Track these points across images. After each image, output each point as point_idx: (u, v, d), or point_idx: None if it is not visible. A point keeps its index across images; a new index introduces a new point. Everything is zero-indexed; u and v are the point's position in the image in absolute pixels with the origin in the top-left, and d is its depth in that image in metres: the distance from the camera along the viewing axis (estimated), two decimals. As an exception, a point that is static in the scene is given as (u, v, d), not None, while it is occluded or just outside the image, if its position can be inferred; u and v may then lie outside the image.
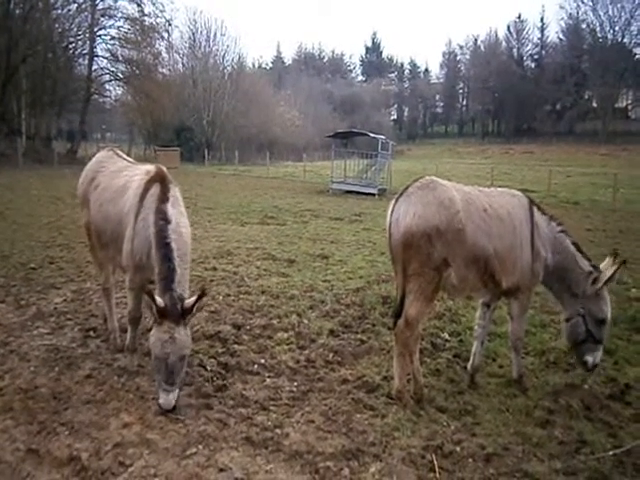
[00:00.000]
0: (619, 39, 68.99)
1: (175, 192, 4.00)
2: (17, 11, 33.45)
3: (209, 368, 4.27)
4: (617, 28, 68.88)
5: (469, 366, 4.34)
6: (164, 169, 4.16)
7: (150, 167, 4.25)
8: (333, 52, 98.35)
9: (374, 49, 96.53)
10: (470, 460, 3.20)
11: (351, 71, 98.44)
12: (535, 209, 4.06)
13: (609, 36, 69.70)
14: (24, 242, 8.91)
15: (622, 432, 3.58)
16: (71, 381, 3.93)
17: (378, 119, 71.13)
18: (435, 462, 3.14)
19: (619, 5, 67.72)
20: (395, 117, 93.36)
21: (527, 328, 5.37)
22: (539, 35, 79.91)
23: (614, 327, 5.52)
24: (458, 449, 3.30)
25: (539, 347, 4.97)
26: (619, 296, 6.73)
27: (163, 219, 3.68)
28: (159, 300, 3.39)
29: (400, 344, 3.81)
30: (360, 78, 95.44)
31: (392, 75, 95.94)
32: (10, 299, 5.82)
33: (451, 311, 5.84)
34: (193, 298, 3.48)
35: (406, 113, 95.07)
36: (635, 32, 68.59)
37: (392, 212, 3.83)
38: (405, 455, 3.21)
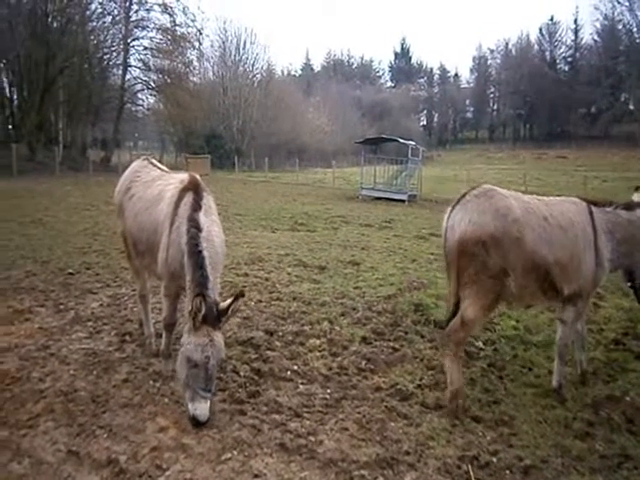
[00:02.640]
0: (657, 40, 67.20)
1: (208, 200, 4.03)
2: (55, 24, 34.53)
3: (242, 374, 4.30)
4: (655, 28, 67.15)
5: (579, 370, 4.42)
6: (198, 177, 4.21)
7: (184, 176, 4.30)
8: (362, 58, 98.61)
9: (403, 54, 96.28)
10: (507, 472, 3.14)
11: (380, 77, 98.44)
12: (595, 211, 4.05)
13: (646, 37, 67.97)
14: (62, 248, 9.15)
15: (668, 447, 3.46)
16: (109, 384, 4.01)
17: (407, 125, 70.74)
18: (471, 473, 3.09)
19: (657, 4, 66.05)
20: (424, 123, 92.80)
21: (564, 337, 5.28)
22: (573, 37, 78.46)
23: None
24: (495, 460, 3.25)
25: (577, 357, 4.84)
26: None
27: (195, 227, 3.70)
28: (204, 306, 3.39)
29: (454, 344, 3.80)
30: (389, 84, 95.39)
31: (421, 80, 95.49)
32: (50, 303, 5.98)
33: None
34: (229, 301, 3.51)
35: (436, 118, 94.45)
36: (673, 32, 66.71)
37: (448, 218, 3.88)
38: (440, 465, 3.18)
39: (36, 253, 8.63)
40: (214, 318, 3.42)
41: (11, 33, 31.15)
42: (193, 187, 4.01)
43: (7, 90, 35.30)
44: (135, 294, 5.67)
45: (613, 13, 70.49)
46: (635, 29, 68.69)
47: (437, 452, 3.31)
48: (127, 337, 5.05)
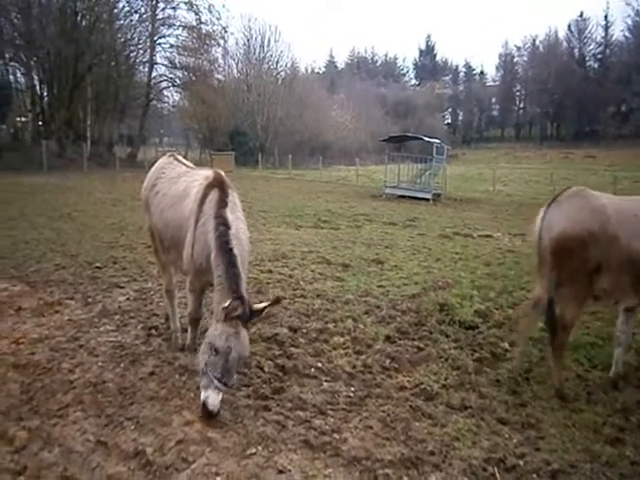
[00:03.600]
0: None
1: (234, 197, 4.04)
2: (83, 23, 35.17)
3: (266, 370, 4.31)
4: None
5: (612, 372, 4.35)
6: (223, 174, 4.20)
7: (209, 172, 4.29)
8: (386, 56, 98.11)
9: (428, 52, 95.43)
10: (534, 476, 3.09)
11: (404, 74, 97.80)
12: None
13: (680, 33, 66.20)
14: (90, 242, 9.32)
15: (702, 454, 3.36)
16: (135, 377, 4.07)
17: (432, 123, 70.06)
18: (497, 475, 3.05)
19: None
20: (449, 121, 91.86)
21: (594, 341, 5.19)
22: (603, 33, 76.67)
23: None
24: (521, 463, 3.20)
25: (607, 361, 4.74)
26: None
27: (223, 224, 3.70)
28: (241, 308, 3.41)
29: (558, 347, 4.06)
30: (413, 81, 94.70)
31: (446, 78, 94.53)
32: (78, 296, 6.10)
33: (511, 320, 5.66)
34: (265, 303, 3.54)
35: (461, 117, 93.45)
36: None
37: (543, 218, 4.06)
38: (466, 466, 3.14)
39: (65, 247, 8.82)
40: (247, 316, 3.44)
41: (42, 32, 31.84)
42: (218, 184, 4.01)
43: (37, 87, 36.04)
44: (161, 289, 5.73)
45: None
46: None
47: (462, 453, 3.28)
48: (153, 331, 5.12)
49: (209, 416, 3.39)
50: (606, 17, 76.20)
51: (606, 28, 75.88)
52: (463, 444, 3.39)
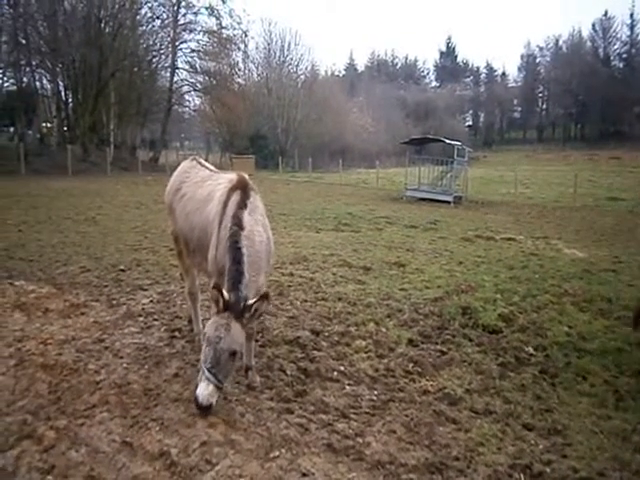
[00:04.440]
0: None
1: (255, 200, 4.07)
2: (107, 29, 35.81)
3: (289, 373, 4.32)
4: None
5: None
6: (246, 177, 4.25)
7: (233, 175, 4.34)
8: (406, 58, 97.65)
9: (448, 53, 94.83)
10: (562, 483, 3.04)
11: (425, 77, 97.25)
12: None
13: None
14: (114, 245, 9.45)
15: None
16: (160, 379, 4.10)
17: (452, 125, 69.56)
18: (524, 482, 3.01)
19: None
20: (470, 123, 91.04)
21: (620, 346, 5.09)
22: (628, 32, 75.31)
23: None
24: (548, 470, 3.15)
25: (635, 367, 4.64)
26: None
27: (237, 224, 3.75)
28: (226, 294, 3.49)
29: None
30: (434, 83, 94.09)
31: (467, 80, 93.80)
32: (103, 298, 6.19)
33: (536, 324, 5.59)
34: (254, 299, 3.56)
35: (482, 118, 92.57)
36: None
37: None
38: (491, 472, 3.10)
39: (90, 250, 8.96)
40: (239, 310, 3.48)
41: (67, 39, 32.51)
42: (241, 186, 4.05)
43: (62, 94, 36.78)
44: (184, 291, 5.79)
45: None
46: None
47: (487, 459, 3.24)
48: (177, 333, 5.16)
49: (198, 408, 3.41)
50: (632, 16, 74.89)
51: (632, 27, 74.62)
52: (488, 449, 3.35)
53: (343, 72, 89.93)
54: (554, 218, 17.33)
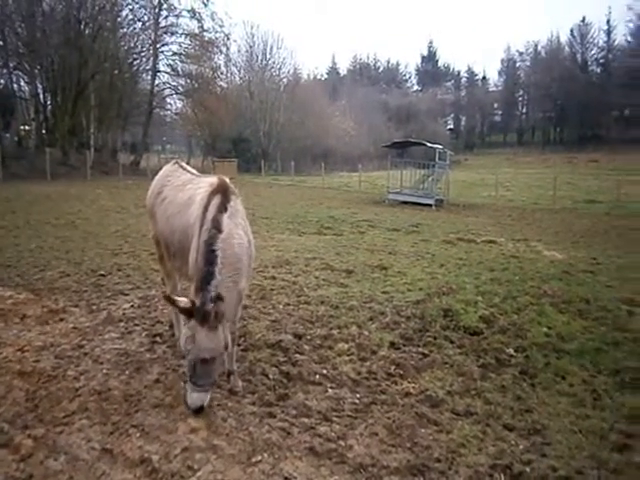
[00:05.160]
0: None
1: (236, 203, 4.07)
2: (87, 31, 35.38)
3: (271, 377, 4.32)
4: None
5: None
6: (227, 180, 4.24)
7: (213, 179, 4.32)
8: (388, 62, 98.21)
9: (430, 58, 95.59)
10: (541, 482, 3.08)
11: (406, 80, 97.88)
12: None
13: (683, 37, 66.33)
14: (94, 250, 9.34)
15: None
16: (141, 384, 4.07)
17: (434, 128, 70.08)
18: (504, 482, 3.04)
19: (694, 4, 64.42)
20: (452, 126, 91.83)
21: (598, 346, 5.17)
22: (605, 38, 76.71)
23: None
24: (528, 470, 3.19)
25: (612, 366, 4.72)
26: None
27: (215, 227, 3.74)
28: (179, 300, 3.51)
29: None
30: (416, 87, 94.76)
31: (448, 84, 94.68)
32: (83, 304, 6.11)
33: (516, 325, 5.65)
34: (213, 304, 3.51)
35: (463, 122, 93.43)
36: None
37: None
38: (472, 473, 3.14)
39: (69, 254, 8.84)
40: (205, 315, 3.42)
41: (46, 40, 32.07)
42: (222, 190, 4.04)
43: (41, 96, 36.24)
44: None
45: (647, 13, 68.76)
46: (671, 29, 67.14)
47: (468, 460, 3.27)
48: (158, 338, 5.12)
49: (191, 411, 3.54)
50: (608, 22, 76.26)
51: (608, 33, 75.94)
52: (469, 451, 3.38)
53: (325, 76, 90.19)
54: (534, 220, 17.57)
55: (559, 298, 6.74)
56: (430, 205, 21.22)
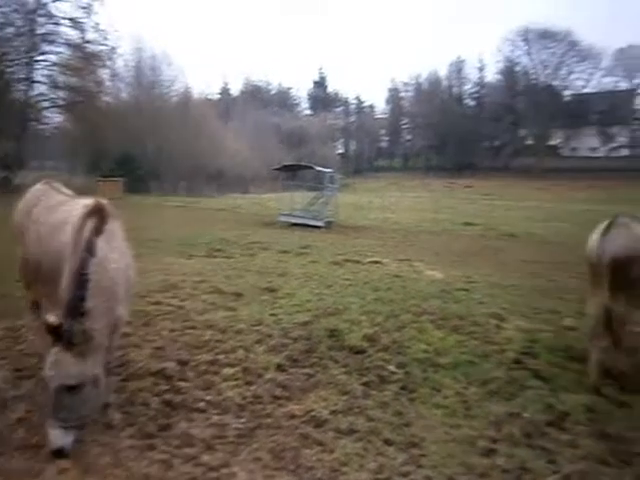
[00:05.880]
0: (550, 82, 74.03)
1: (113, 226, 3.93)
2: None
3: (153, 406, 4.14)
4: (548, 72, 74.06)
5: None
6: (103, 202, 4.07)
7: (89, 201, 4.14)
8: (280, 85, 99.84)
9: (320, 84, 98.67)
10: (417, 493, 3.23)
11: (298, 104, 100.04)
12: None
13: (541, 79, 74.67)
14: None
15: (560, 457, 3.73)
16: (2, 424, 3.71)
17: (325, 152, 72.03)
18: (382, 496, 3.15)
19: (550, 50, 72.86)
20: (342, 150, 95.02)
21: (470, 359, 5.57)
22: (478, 75, 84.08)
23: (550, 355, 5.78)
24: (405, 482, 3.34)
25: (482, 377, 5.10)
26: (554, 325, 7.05)
27: (88, 251, 3.59)
28: (48, 315, 3.32)
29: (617, 340, 5.12)
30: (307, 112, 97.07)
31: (338, 109, 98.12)
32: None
33: (397, 343, 5.92)
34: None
35: (353, 147, 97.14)
36: (564, 76, 73.84)
37: (600, 243, 5.11)
38: (353, 490, 3.21)
39: None
40: (70, 340, 3.28)
41: None
42: (97, 212, 3.88)
43: None
44: (33, 325, 5.30)
45: (512, 55, 76.87)
46: (531, 71, 75.40)
47: (350, 477, 3.36)
48: (24, 373, 4.70)
49: (54, 455, 3.21)
50: (480, 61, 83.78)
51: (481, 70, 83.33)
52: (351, 468, 3.47)
53: (218, 96, 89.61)
54: (417, 242, 18.58)
55: (437, 315, 7.19)
56: (320, 227, 21.70)
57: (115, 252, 3.80)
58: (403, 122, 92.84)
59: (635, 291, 5.15)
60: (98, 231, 3.69)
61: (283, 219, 22.98)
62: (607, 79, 72.57)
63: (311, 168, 25.69)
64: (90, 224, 3.74)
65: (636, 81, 70.96)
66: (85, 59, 39.95)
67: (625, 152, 72.09)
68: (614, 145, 72.76)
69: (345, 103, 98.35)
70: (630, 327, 5.42)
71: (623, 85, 72.27)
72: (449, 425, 4.14)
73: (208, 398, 4.36)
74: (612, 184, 55.92)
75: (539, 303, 8.44)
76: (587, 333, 5.42)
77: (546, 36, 72.37)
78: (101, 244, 3.65)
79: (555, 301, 8.71)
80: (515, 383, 5.02)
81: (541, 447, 3.86)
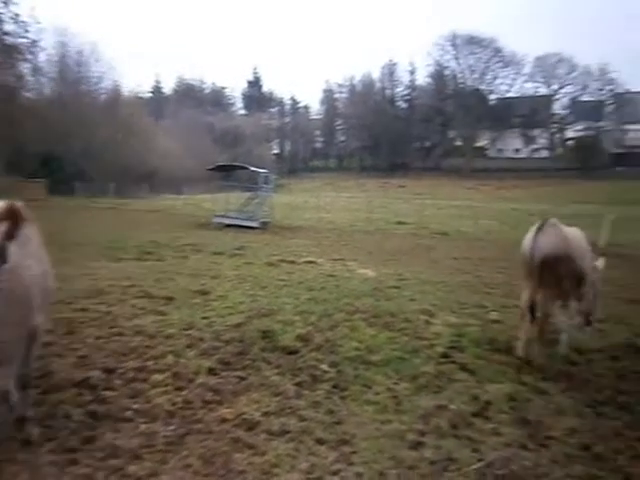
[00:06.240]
0: (477, 86, 77.49)
1: (29, 230, 3.72)
2: None
3: (75, 418, 3.96)
4: (475, 76, 77.48)
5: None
6: (17, 205, 3.82)
7: (1, 204, 3.90)
8: (214, 84, 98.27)
9: (255, 83, 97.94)
10: (347, 489, 3.28)
11: (232, 104, 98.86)
12: None
13: (468, 83, 78.02)
14: None
15: (484, 446, 3.89)
16: None
17: (260, 152, 71.58)
18: (314, 496, 3.17)
19: (476, 56, 76.27)
20: (277, 151, 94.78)
21: (400, 355, 5.71)
22: (409, 78, 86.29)
23: (476, 348, 6.03)
24: (337, 479, 3.37)
25: (411, 372, 5.24)
26: (480, 319, 7.36)
27: None
28: None
29: (541, 330, 5.73)
30: (242, 112, 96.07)
31: (273, 110, 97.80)
32: None
33: (330, 342, 5.98)
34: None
35: (288, 147, 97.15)
36: (489, 80, 77.59)
37: (533, 242, 5.59)
38: (284, 492, 3.21)
39: None
40: None
41: None
42: (10, 215, 3.63)
43: None
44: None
45: (442, 60, 79.68)
46: (459, 75, 78.54)
47: (282, 479, 3.35)
48: None
49: None
50: (411, 64, 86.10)
51: (412, 73, 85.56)
52: (282, 469, 3.47)
53: (149, 94, 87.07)
54: (351, 241, 18.86)
55: (369, 313, 7.33)
56: (255, 228, 21.57)
57: (30, 258, 3.60)
58: (337, 123, 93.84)
59: (560, 287, 5.68)
60: (10, 236, 3.48)
61: (217, 220, 22.67)
62: (528, 84, 76.96)
63: (246, 168, 25.50)
64: (1, 228, 3.51)
65: (553, 87, 75.61)
66: (3, 52, 37.63)
67: (545, 153, 76.66)
68: (535, 147, 77.13)
69: (280, 103, 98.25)
70: (551, 319, 5.89)
71: (542, 90, 76.89)
72: (380, 421, 4.23)
73: (135, 406, 4.22)
74: (535, 183, 59.39)
75: (467, 298, 8.79)
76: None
77: (473, 42, 75.74)
78: (14, 249, 3.44)
79: (482, 296, 9.11)
80: (443, 377, 5.20)
81: (467, 437, 4.02)
